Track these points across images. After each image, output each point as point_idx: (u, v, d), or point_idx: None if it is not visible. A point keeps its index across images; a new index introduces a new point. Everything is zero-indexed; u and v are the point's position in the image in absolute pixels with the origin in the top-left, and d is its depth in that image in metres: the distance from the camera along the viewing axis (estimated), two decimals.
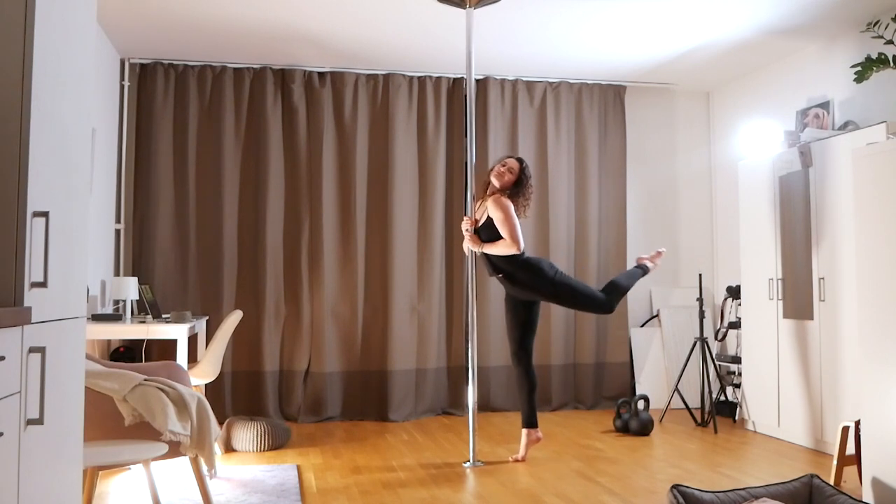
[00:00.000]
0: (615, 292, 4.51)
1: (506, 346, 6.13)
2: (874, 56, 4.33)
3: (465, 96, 4.89)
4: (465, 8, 4.57)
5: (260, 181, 5.85)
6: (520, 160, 4.54)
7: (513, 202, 4.43)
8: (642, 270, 4.73)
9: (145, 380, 3.21)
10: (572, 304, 4.45)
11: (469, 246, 4.51)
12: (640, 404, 5.44)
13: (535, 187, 6.18)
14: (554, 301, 4.44)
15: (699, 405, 6.14)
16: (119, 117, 5.69)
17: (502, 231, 4.34)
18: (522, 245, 4.35)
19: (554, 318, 6.18)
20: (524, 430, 4.53)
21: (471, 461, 4.42)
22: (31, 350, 1.73)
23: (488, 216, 4.42)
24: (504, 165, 4.50)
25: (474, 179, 4.73)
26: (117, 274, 5.63)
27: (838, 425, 4.12)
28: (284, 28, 5.10)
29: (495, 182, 4.47)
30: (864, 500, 3.43)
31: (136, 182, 5.74)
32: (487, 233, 4.41)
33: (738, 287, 5.91)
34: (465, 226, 4.50)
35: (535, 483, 4.00)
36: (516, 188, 4.47)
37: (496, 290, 6.11)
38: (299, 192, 5.91)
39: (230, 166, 5.82)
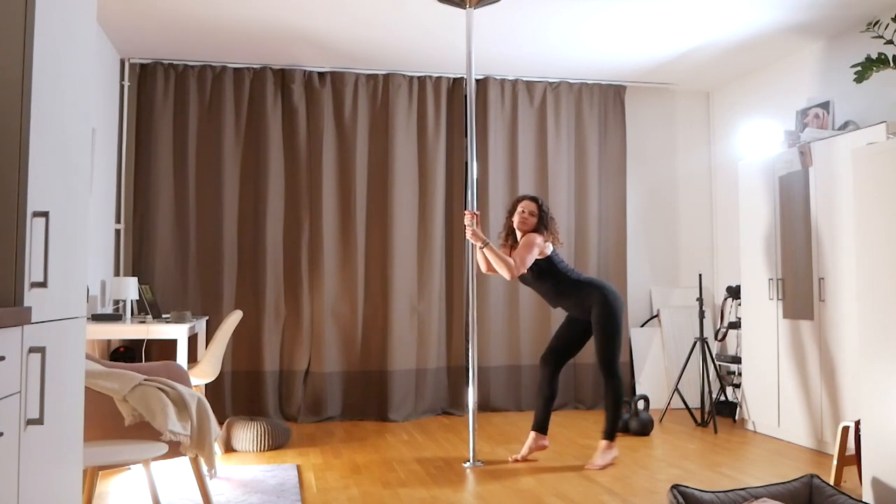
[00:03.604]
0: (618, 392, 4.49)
1: (506, 346, 6.14)
2: (874, 56, 4.33)
3: (465, 96, 4.89)
4: (465, 8, 4.57)
5: (260, 181, 5.85)
6: (535, 199, 4.56)
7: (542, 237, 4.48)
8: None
9: (145, 380, 3.21)
10: (602, 346, 4.41)
11: (471, 240, 4.50)
12: (640, 404, 5.44)
13: (535, 187, 6.20)
14: (593, 328, 4.44)
15: (699, 405, 6.14)
16: (119, 117, 5.69)
17: (516, 253, 4.36)
18: (516, 276, 4.35)
19: (554, 318, 6.18)
20: (532, 433, 4.53)
21: (471, 461, 4.42)
22: (31, 350, 1.73)
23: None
24: (524, 211, 4.51)
25: (475, 180, 4.73)
26: (117, 274, 5.63)
27: (838, 425, 4.12)
28: (284, 28, 5.10)
29: (520, 227, 4.51)
30: (864, 500, 3.43)
31: (136, 182, 5.74)
32: (538, 268, 4.44)
33: (738, 287, 5.91)
34: (468, 220, 4.51)
35: (535, 483, 4.00)
36: (540, 225, 4.50)
37: (496, 290, 6.11)
38: (299, 192, 5.91)
39: (230, 166, 5.82)
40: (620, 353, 4.47)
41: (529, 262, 4.36)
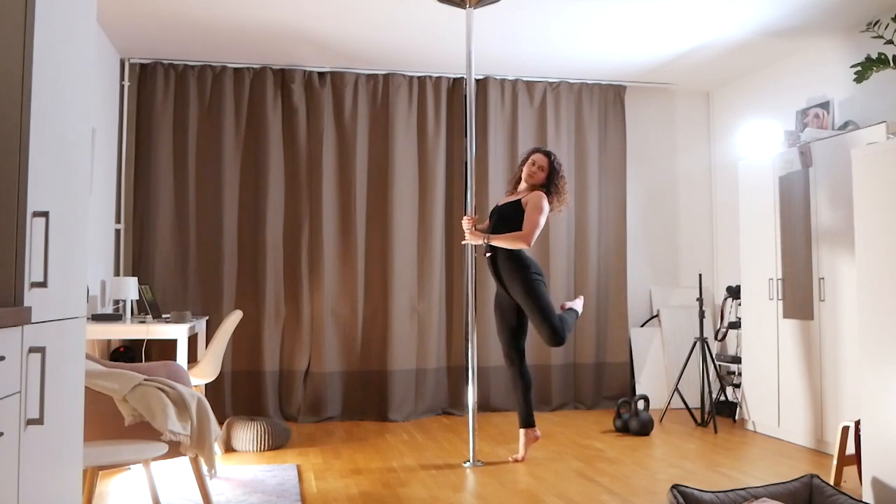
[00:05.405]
0: (566, 327, 4.43)
1: None
2: (874, 56, 4.33)
3: (465, 96, 4.88)
4: (465, 8, 4.57)
5: (260, 181, 5.85)
6: (548, 153, 4.55)
7: (548, 199, 4.46)
8: (576, 314, 4.64)
9: (145, 380, 3.21)
10: (531, 313, 4.36)
11: (471, 241, 4.50)
12: (640, 404, 5.44)
13: None
14: (519, 300, 4.39)
15: (699, 405, 6.14)
16: (119, 117, 5.69)
17: (527, 220, 4.33)
18: (532, 243, 4.34)
19: None
20: (522, 430, 4.53)
21: (471, 461, 4.42)
22: (31, 350, 1.73)
23: (518, 202, 4.43)
24: (534, 164, 4.50)
25: (474, 179, 4.73)
26: (117, 274, 5.64)
27: (838, 425, 4.12)
28: (284, 28, 5.10)
29: (527, 180, 4.50)
30: (864, 500, 3.43)
31: (136, 182, 5.74)
32: (510, 222, 4.41)
33: (738, 287, 5.91)
34: (466, 225, 4.50)
35: (535, 483, 4.00)
36: (548, 182, 4.50)
37: (496, 290, 6.10)
38: (299, 192, 5.91)
39: (230, 166, 5.82)
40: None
41: (541, 224, 4.34)
